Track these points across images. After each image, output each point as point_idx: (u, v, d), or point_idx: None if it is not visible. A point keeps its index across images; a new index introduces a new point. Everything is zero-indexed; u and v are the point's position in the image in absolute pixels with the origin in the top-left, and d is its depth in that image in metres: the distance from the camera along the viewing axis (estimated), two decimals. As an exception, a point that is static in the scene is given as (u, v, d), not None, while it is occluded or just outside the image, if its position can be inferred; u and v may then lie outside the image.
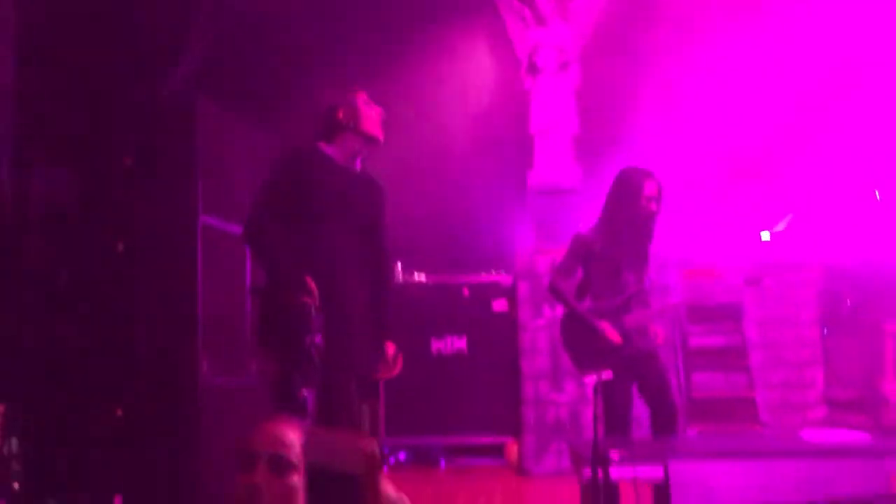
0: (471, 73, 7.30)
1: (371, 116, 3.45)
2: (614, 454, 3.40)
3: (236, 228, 4.60)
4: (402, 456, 6.81)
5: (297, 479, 1.93)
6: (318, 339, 3.16)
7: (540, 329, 6.32)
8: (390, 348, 3.50)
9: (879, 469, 3.13)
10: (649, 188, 4.09)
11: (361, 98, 3.48)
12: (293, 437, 1.95)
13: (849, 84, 6.49)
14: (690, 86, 6.74)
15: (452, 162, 7.31)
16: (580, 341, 4.15)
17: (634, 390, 4.15)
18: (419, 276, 7.02)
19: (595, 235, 4.16)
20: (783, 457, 3.30)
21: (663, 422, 4.02)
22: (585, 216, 6.89)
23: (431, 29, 6.93)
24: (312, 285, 3.17)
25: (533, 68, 6.99)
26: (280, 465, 1.90)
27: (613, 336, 4.02)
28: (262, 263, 3.36)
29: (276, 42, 5.89)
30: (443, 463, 6.67)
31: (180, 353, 4.14)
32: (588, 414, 6.01)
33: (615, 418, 4.01)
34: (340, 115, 3.42)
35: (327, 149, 3.44)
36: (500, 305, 6.87)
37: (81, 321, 4.22)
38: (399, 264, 7.02)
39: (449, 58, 7.25)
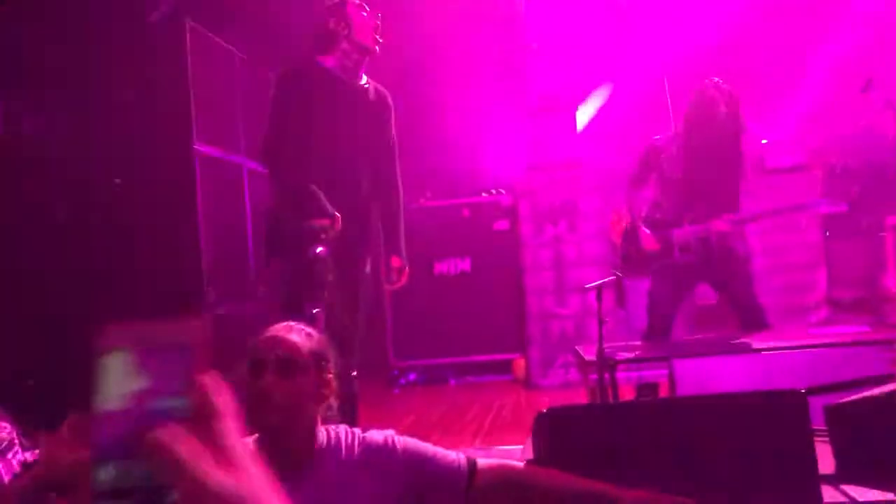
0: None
1: (363, 24, 3.37)
2: (620, 356, 3.46)
3: (233, 156, 4.59)
4: (412, 377, 6.92)
5: (307, 382, 1.96)
6: (324, 251, 3.19)
7: (542, 245, 6.34)
8: (395, 262, 3.52)
9: (881, 356, 3.17)
10: (726, 103, 3.96)
11: (352, 4, 3.40)
12: (301, 340, 1.97)
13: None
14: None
15: (446, 82, 7.23)
16: (626, 245, 4.24)
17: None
18: (419, 200, 7.02)
19: (667, 145, 4.09)
20: (786, 350, 3.35)
21: (744, 324, 4.05)
22: (583, 132, 6.89)
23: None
24: (325, 207, 3.19)
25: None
26: (287, 368, 1.92)
27: (647, 243, 4.06)
28: (276, 183, 3.36)
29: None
30: (452, 381, 6.78)
31: (186, 283, 4.16)
32: (593, 326, 6.09)
33: (653, 324, 4.08)
34: (332, 23, 3.35)
35: (325, 61, 3.39)
36: (501, 225, 6.89)
37: (83, 256, 4.23)
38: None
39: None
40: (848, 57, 6.53)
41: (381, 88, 3.51)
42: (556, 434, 2.12)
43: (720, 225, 3.94)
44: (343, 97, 3.35)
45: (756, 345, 3.50)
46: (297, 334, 1.99)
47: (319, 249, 3.21)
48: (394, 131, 3.56)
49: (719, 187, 4.05)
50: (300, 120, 3.31)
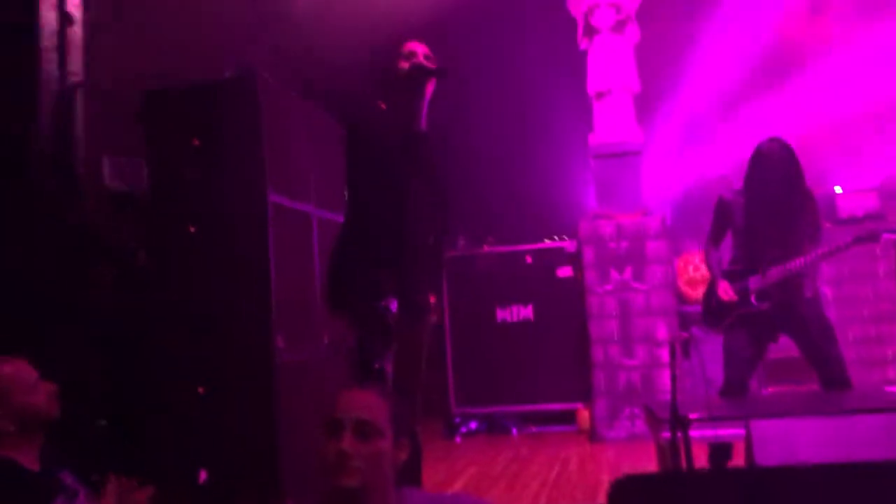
0: (526, 36, 7.21)
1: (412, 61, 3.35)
2: (693, 414, 3.37)
3: (302, 205, 4.66)
4: (473, 425, 6.86)
5: (385, 445, 1.95)
6: (392, 305, 3.19)
7: (607, 293, 6.27)
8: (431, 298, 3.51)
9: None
10: (785, 160, 4.03)
11: (407, 48, 3.39)
12: (378, 402, 1.97)
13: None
14: (749, 41, 6.57)
15: (511, 128, 7.26)
16: (706, 299, 4.25)
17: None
18: (482, 246, 7.02)
19: (736, 199, 4.16)
20: (866, 413, 3.22)
21: (824, 380, 3.98)
22: (648, 177, 6.84)
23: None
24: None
25: (589, 29, 6.88)
26: (367, 430, 1.92)
27: (724, 293, 4.07)
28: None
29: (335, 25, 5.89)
30: (515, 431, 6.70)
31: (256, 330, 4.21)
32: (661, 377, 5.98)
33: (730, 379, 4.03)
34: (389, 67, 3.38)
35: (383, 103, 3.42)
36: (564, 271, 6.84)
37: (160, 302, 4.32)
38: (462, 235, 7.04)
39: (504, 22, 7.18)
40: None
41: (438, 128, 3.52)
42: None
43: (795, 263, 3.96)
44: (397, 131, 3.36)
45: (839, 405, 3.38)
46: (376, 395, 1.98)
47: (387, 301, 3.22)
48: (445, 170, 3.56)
49: (783, 236, 4.07)
50: (361, 159, 3.35)
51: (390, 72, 3.40)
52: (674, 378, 3.33)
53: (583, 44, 6.94)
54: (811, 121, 6.55)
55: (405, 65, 3.37)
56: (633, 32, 6.81)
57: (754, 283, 4.08)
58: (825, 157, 6.65)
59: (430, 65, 3.35)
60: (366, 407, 1.93)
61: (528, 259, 6.93)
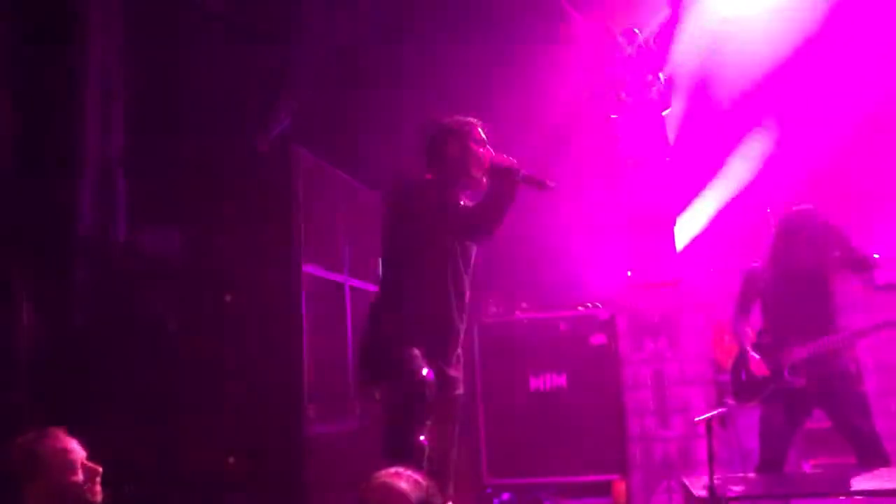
0: (557, 101, 7.27)
1: (480, 157, 3.36)
2: (731, 493, 3.29)
3: (336, 276, 4.70)
4: (505, 496, 6.73)
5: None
6: (430, 374, 3.18)
7: (642, 362, 6.18)
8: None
9: None
10: (820, 232, 3.99)
11: (475, 134, 3.40)
12: (407, 488, 1.95)
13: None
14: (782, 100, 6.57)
15: (542, 194, 7.27)
16: (735, 372, 4.19)
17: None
18: (515, 312, 6.98)
19: (764, 270, 4.11)
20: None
21: (860, 455, 3.88)
22: (684, 248, 6.80)
23: (516, 61, 6.94)
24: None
25: (620, 95, 6.93)
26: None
27: (757, 368, 3.99)
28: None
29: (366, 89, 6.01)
30: (548, 503, 6.56)
31: (287, 399, 4.21)
32: (699, 449, 5.85)
33: (766, 454, 3.94)
34: (449, 148, 3.38)
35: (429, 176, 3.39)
36: (598, 339, 6.77)
37: (192, 370, 4.35)
38: (494, 301, 7.01)
39: (534, 87, 7.25)
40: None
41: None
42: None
43: (825, 342, 3.87)
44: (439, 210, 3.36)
45: (877, 484, 3.29)
46: (407, 482, 1.96)
47: (426, 371, 3.19)
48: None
49: (814, 309, 4.00)
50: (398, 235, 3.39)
51: (452, 149, 3.38)
52: (711, 456, 3.26)
53: (614, 109, 6.98)
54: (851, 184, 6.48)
55: (483, 152, 3.36)
56: (665, 99, 6.85)
57: (786, 358, 3.98)
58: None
59: (527, 171, 3.30)
60: (397, 496, 1.91)
61: (562, 326, 6.86)
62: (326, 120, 5.19)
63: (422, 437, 3.13)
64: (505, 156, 3.34)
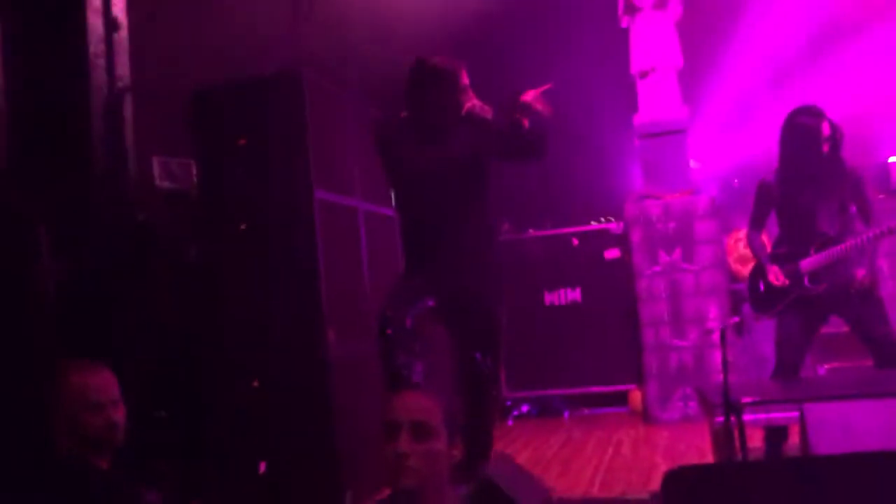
0: (568, 14, 7.13)
1: (459, 105, 3.48)
2: (746, 398, 3.35)
3: (349, 200, 4.71)
4: (524, 408, 6.89)
5: (440, 445, 2.00)
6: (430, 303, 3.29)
7: (656, 275, 6.23)
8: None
9: None
10: (824, 130, 3.93)
11: (459, 82, 3.47)
12: (433, 403, 2.02)
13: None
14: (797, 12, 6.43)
15: (554, 108, 7.20)
16: (752, 283, 4.19)
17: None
18: (528, 230, 7.01)
19: (776, 180, 4.07)
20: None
21: (878, 360, 3.94)
22: (695, 155, 6.75)
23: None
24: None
25: (630, 7, 6.79)
26: (422, 431, 1.97)
27: (776, 278, 4.00)
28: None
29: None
30: (566, 413, 6.72)
31: (307, 324, 4.29)
32: (713, 358, 5.94)
33: (782, 361, 3.99)
34: (429, 93, 3.48)
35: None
36: (611, 253, 6.81)
37: (213, 298, 4.43)
38: (507, 220, 7.03)
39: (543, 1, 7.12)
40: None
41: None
42: (689, 497, 2.07)
43: (843, 247, 3.87)
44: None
45: (893, 385, 3.34)
46: (429, 397, 2.03)
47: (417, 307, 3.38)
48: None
49: (829, 214, 3.98)
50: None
51: (432, 94, 3.45)
52: (725, 363, 3.31)
53: (624, 21, 6.85)
54: (864, 91, 6.40)
55: (463, 99, 3.44)
56: (675, 8, 6.71)
57: (806, 265, 3.99)
58: (879, 128, 6.50)
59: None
60: (420, 409, 1.98)
61: (575, 242, 6.91)
62: (331, 41, 5.14)
63: (415, 374, 3.29)
64: (483, 105, 3.41)
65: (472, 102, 3.47)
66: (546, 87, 3.44)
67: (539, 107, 3.36)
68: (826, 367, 5.81)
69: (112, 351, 2.89)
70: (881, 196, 6.09)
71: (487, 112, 3.45)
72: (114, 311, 4.14)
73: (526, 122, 3.37)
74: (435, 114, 3.47)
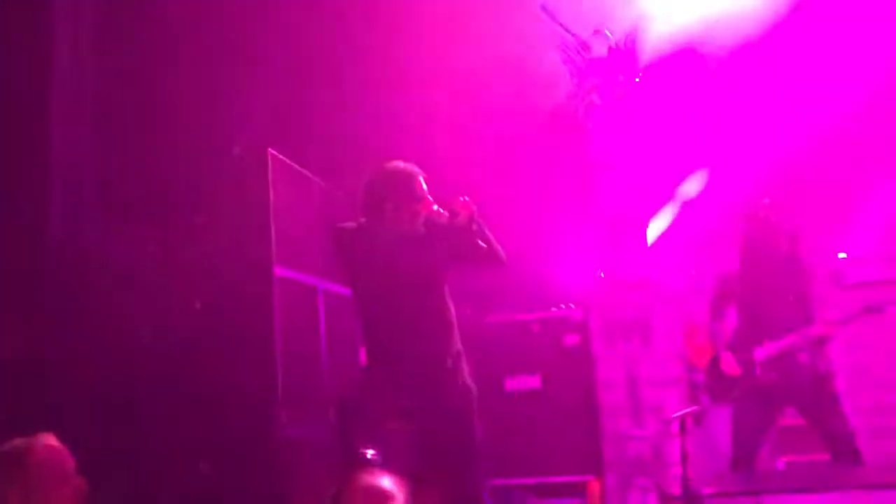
0: (529, 101, 7.28)
1: (416, 213, 3.53)
2: (706, 490, 3.33)
3: (309, 278, 4.68)
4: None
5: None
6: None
7: (615, 362, 6.22)
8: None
9: None
10: (785, 225, 4.04)
11: (415, 189, 3.52)
12: (394, 489, 1.96)
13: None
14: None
15: (515, 195, 7.29)
16: (711, 371, 4.26)
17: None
18: (488, 315, 6.99)
19: (735, 272, 4.14)
20: (880, 489, 3.19)
21: (833, 453, 3.93)
22: (656, 248, 6.85)
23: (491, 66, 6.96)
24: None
25: (589, 97, 6.98)
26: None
27: (728, 367, 4.02)
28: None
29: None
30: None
31: (260, 404, 4.19)
32: (672, 448, 5.89)
33: (738, 453, 3.98)
34: (386, 201, 3.52)
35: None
36: (571, 340, 6.80)
37: (164, 377, 4.31)
38: (467, 304, 7.01)
39: (503, 88, 7.27)
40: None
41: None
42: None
43: (817, 329, 3.91)
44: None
45: (851, 479, 3.35)
46: (391, 485, 1.97)
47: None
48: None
49: (787, 305, 4.05)
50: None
51: (388, 203, 3.50)
52: (684, 454, 3.30)
53: (583, 110, 7.02)
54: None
55: (419, 208, 3.50)
56: (633, 100, 6.90)
57: (759, 354, 4.03)
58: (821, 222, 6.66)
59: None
60: (383, 494, 1.92)
61: (535, 327, 6.89)
62: (297, 122, 5.18)
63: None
64: (440, 210, 3.46)
65: (430, 208, 3.50)
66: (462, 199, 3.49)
67: (464, 212, 3.41)
68: (784, 459, 5.79)
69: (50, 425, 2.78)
70: (835, 291, 6.19)
71: (444, 218, 3.49)
72: (62, 387, 4.04)
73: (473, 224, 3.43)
74: (392, 220, 3.48)
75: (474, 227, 3.43)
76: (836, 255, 6.49)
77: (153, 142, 4.65)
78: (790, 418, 6.05)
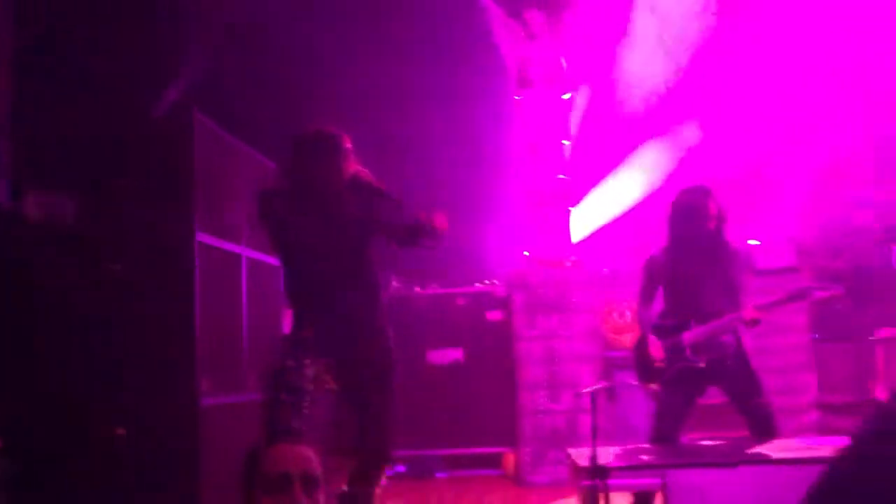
0: (462, 85, 7.33)
1: (341, 175, 3.50)
2: (612, 463, 3.44)
3: (233, 246, 4.64)
4: (400, 468, 6.82)
5: (322, 497, 1.97)
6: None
7: (535, 339, 6.36)
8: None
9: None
10: (711, 208, 4.11)
11: (341, 150, 3.51)
12: (316, 455, 2.00)
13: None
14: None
15: (443, 173, 7.34)
16: (638, 354, 4.28)
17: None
18: (414, 288, 7.05)
19: (664, 257, 4.20)
20: (778, 464, 3.34)
21: (753, 430, 4.06)
22: (579, 229, 7.00)
23: (424, 48, 6.97)
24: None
25: (524, 81, 7.05)
26: (310, 484, 1.94)
27: (655, 351, 4.10)
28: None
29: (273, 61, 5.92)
30: (440, 474, 6.69)
31: (180, 371, 4.15)
32: (585, 423, 6.06)
33: (660, 430, 4.08)
34: (309, 163, 3.50)
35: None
36: (494, 315, 6.91)
37: (81, 342, 4.23)
38: (393, 278, 7.06)
39: (439, 71, 7.29)
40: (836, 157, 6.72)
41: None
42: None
43: (748, 313, 4.01)
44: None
45: (755, 456, 3.49)
46: (313, 449, 2.00)
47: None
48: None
49: (714, 289, 4.14)
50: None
51: (312, 165, 3.48)
52: (594, 428, 3.41)
53: (517, 92, 7.10)
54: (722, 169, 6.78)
55: (344, 169, 3.46)
56: (567, 84, 7.01)
57: (688, 338, 4.12)
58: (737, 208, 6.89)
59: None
60: (308, 461, 1.95)
61: (460, 301, 6.98)
62: (227, 89, 5.10)
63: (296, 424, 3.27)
64: (367, 170, 3.48)
65: (356, 168, 3.50)
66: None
67: (441, 227, 3.45)
68: (701, 437, 6.00)
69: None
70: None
71: (370, 176, 3.50)
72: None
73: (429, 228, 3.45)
74: (319, 181, 3.47)
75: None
76: (746, 242, 6.72)
77: (75, 102, 4.52)
78: (707, 398, 6.31)
